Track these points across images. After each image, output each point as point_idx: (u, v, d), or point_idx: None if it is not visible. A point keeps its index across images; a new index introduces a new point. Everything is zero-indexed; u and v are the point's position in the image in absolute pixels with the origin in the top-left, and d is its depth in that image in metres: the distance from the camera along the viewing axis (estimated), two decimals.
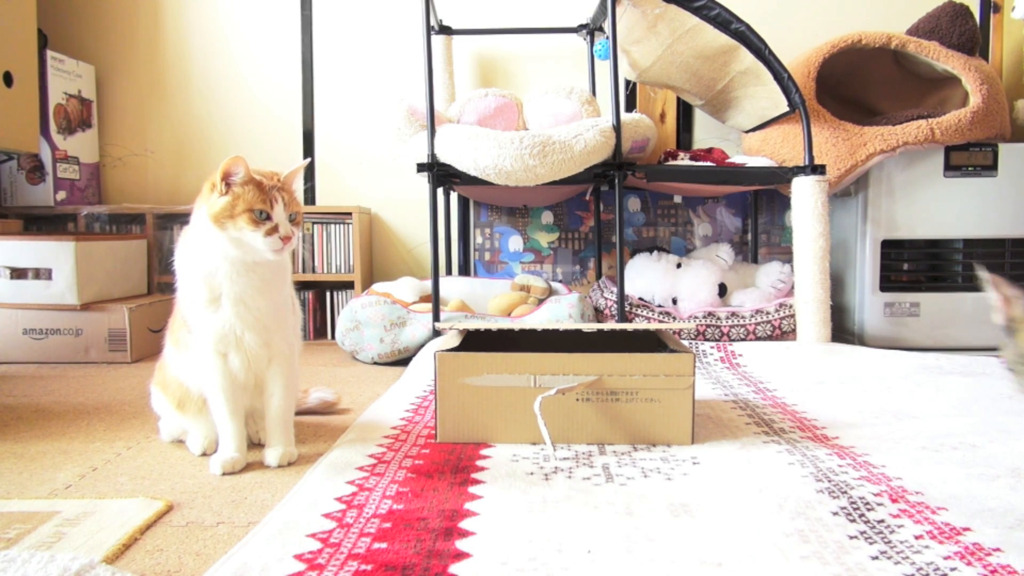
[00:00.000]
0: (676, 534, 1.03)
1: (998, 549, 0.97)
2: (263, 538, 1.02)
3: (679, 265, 2.68)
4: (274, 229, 1.28)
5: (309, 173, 3.17)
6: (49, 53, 2.86)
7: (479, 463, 1.35)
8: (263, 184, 1.29)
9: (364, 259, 3.04)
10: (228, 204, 1.27)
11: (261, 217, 1.27)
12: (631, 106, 3.10)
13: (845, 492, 1.18)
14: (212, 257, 1.31)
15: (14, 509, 1.15)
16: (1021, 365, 0.80)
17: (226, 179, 1.28)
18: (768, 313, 2.49)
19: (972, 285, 2.61)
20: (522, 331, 1.70)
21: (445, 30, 2.98)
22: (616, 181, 2.31)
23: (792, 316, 2.46)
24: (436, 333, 2.33)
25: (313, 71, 3.17)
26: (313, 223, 2.95)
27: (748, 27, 2.32)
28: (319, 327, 3.03)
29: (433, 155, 2.31)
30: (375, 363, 2.46)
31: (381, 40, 3.15)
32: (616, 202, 2.32)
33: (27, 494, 1.23)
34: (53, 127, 2.89)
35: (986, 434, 1.50)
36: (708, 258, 2.74)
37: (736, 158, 2.73)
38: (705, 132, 3.14)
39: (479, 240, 3.12)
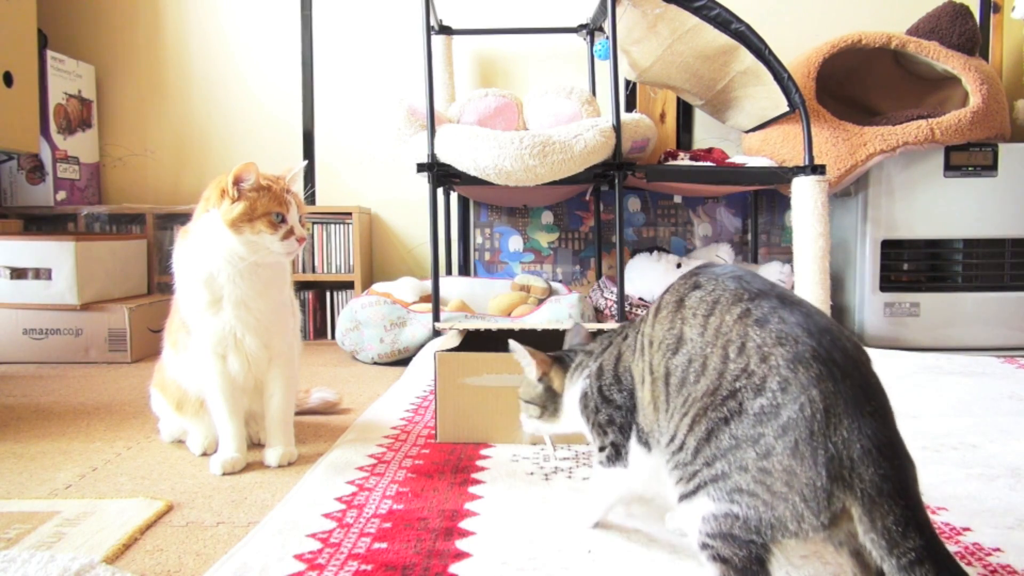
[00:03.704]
0: (676, 533, 1.03)
1: (998, 549, 0.97)
2: (263, 538, 1.02)
3: (679, 265, 2.69)
4: (290, 232, 1.31)
5: (309, 174, 3.17)
6: (49, 53, 2.86)
7: (479, 463, 1.35)
8: (275, 188, 1.31)
9: (364, 259, 3.04)
10: (246, 209, 1.28)
11: (278, 220, 1.30)
12: (631, 106, 3.10)
13: None
14: (214, 260, 1.31)
15: (14, 509, 1.15)
16: (530, 401, 1.10)
17: (236, 184, 1.28)
18: None
19: (972, 285, 2.61)
20: (522, 331, 1.70)
21: (445, 30, 2.98)
22: (616, 181, 2.31)
23: None
24: (436, 333, 2.33)
25: (313, 71, 3.17)
26: (313, 223, 2.95)
27: (748, 27, 2.32)
28: (319, 327, 3.03)
29: (433, 155, 2.31)
30: (375, 363, 2.46)
31: (381, 40, 3.15)
32: (616, 202, 2.32)
33: (27, 494, 1.23)
34: (53, 127, 2.89)
35: (986, 434, 1.50)
36: (708, 258, 2.74)
37: (736, 158, 2.72)
38: (705, 132, 3.14)
39: (479, 240, 3.12)
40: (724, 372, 0.78)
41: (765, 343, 0.76)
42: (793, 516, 0.72)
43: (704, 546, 0.80)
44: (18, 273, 2.50)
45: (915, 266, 2.65)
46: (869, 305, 2.61)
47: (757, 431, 0.74)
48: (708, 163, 2.62)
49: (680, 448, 0.82)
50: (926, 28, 2.70)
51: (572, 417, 1.07)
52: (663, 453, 0.86)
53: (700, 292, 0.85)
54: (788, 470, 0.72)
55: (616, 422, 0.98)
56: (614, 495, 1.05)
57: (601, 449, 1.01)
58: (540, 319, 2.40)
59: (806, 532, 0.72)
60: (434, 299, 2.35)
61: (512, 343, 1.09)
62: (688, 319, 0.84)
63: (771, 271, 2.65)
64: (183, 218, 2.88)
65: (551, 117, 2.46)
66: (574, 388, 1.05)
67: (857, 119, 2.66)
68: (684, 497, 0.82)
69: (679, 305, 0.87)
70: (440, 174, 2.33)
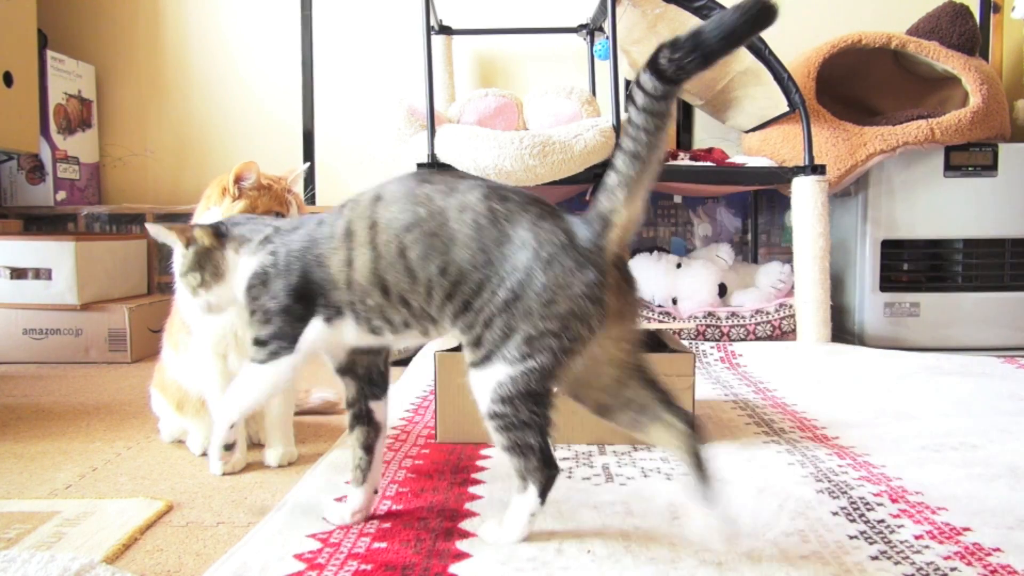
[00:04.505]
0: (676, 534, 1.03)
1: (998, 549, 0.97)
2: (263, 538, 1.02)
3: (679, 265, 2.68)
4: None
5: (309, 174, 3.17)
6: (49, 53, 2.86)
7: (479, 463, 1.35)
8: (276, 187, 1.31)
9: None
10: (247, 207, 1.29)
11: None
12: None
13: (845, 492, 1.18)
14: None
15: (14, 509, 1.15)
16: (188, 271, 1.07)
17: (237, 182, 1.29)
18: (768, 313, 2.49)
19: (972, 285, 2.61)
20: None
21: (445, 30, 2.98)
22: None
23: (792, 316, 2.46)
24: None
25: (313, 71, 3.17)
26: None
27: None
28: None
29: (433, 155, 2.31)
30: None
31: (381, 40, 3.15)
32: None
33: (27, 494, 1.23)
34: (53, 127, 2.89)
35: (986, 434, 1.50)
36: (708, 258, 2.74)
37: (736, 158, 2.72)
38: (705, 132, 3.14)
39: None
40: (484, 243, 0.90)
41: (511, 211, 0.92)
42: (583, 322, 0.88)
43: (494, 415, 0.89)
44: (18, 273, 2.50)
45: (915, 266, 2.65)
46: (869, 305, 2.60)
47: (527, 276, 0.88)
48: (708, 163, 2.62)
49: (463, 311, 0.92)
50: (926, 28, 2.70)
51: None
52: (449, 324, 0.95)
53: (432, 185, 0.95)
54: (562, 285, 0.88)
55: (293, 313, 0.99)
56: (272, 388, 1.06)
57: (262, 343, 1.01)
58: None
59: (597, 327, 0.89)
60: None
61: (148, 225, 1.09)
62: (424, 202, 0.93)
63: (771, 271, 2.65)
64: (183, 218, 2.88)
65: (551, 117, 2.46)
66: (251, 260, 1.03)
67: (857, 119, 2.66)
68: (476, 365, 0.91)
69: (410, 194, 0.95)
70: None
